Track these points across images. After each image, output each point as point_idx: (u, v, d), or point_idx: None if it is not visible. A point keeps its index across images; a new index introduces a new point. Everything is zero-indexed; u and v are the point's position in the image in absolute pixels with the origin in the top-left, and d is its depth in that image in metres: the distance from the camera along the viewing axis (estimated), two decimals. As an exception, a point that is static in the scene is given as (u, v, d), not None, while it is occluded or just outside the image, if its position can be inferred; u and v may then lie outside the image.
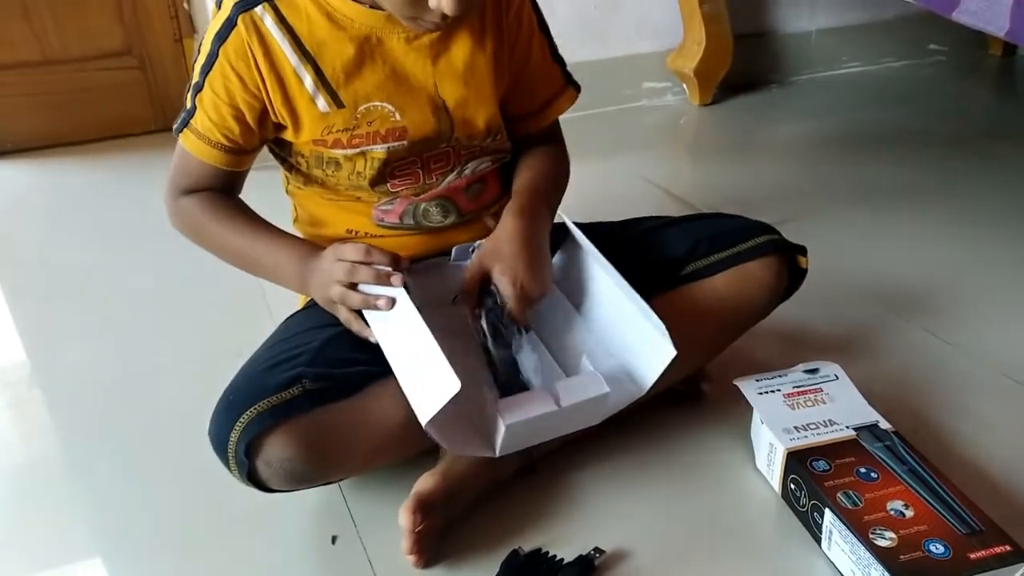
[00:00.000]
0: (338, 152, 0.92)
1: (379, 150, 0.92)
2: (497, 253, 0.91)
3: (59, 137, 2.05)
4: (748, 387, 0.99)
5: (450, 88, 0.92)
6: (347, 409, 0.85)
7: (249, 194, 1.00)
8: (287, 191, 1.04)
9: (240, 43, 0.86)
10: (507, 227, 0.92)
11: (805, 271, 1.03)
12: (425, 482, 0.87)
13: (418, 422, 0.79)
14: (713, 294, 0.99)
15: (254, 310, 1.30)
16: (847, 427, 0.93)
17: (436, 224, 0.99)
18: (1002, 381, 1.13)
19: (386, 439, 0.87)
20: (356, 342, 0.88)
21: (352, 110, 0.89)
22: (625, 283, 0.90)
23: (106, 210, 1.76)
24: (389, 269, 0.85)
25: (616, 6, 2.20)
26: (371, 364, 0.86)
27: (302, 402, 0.82)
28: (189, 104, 0.91)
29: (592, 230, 0.98)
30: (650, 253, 1.01)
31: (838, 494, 0.84)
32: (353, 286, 0.86)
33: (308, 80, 0.87)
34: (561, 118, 1.06)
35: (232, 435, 0.81)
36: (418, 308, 0.82)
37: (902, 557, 0.77)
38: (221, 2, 0.88)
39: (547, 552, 0.86)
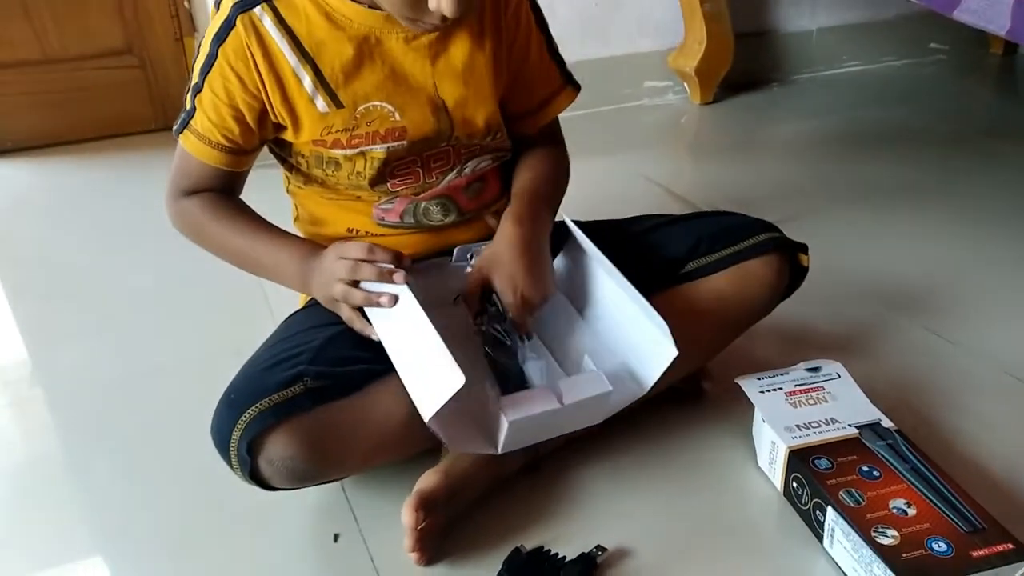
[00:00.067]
0: (338, 152, 0.92)
1: (379, 150, 0.92)
2: (497, 261, 0.91)
3: (59, 136, 2.05)
4: (750, 385, 0.99)
5: (449, 88, 0.91)
6: (348, 407, 0.85)
7: (250, 193, 1.00)
8: (287, 190, 1.04)
9: (239, 44, 0.85)
10: (506, 234, 0.92)
11: (806, 269, 1.03)
12: (427, 480, 0.87)
13: (420, 420, 0.79)
14: (714, 292, 0.99)
15: (254, 310, 1.30)
16: (849, 425, 0.93)
17: (436, 223, 0.99)
18: (1003, 379, 1.12)
19: (387, 437, 0.87)
20: (357, 340, 0.88)
21: (351, 110, 0.89)
22: (627, 282, 0.90)
23: (106, 209, 1.75)
24: (392, 266, 0.85)
25: (617, 5, 2.20)
26: (372, 362, 0.86)
27: (304, 400, 0.82)
28: (189, 105, 0.91)
29: (593, 229, 0.98)
30: (651, 252, 1.01)
31: (840, 492, 0.84)
32: (356, 284, 0.86)
33: (307, 80, 0.87)
34: (562, 117, 1.06)
35: (234, 434, 0.81)
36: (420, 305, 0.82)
37: (904, 555, 0.77)
38: (220, 3, 0.88)
39: (549, 550, 0.86)
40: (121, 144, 2.06)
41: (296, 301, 1.04)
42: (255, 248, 0.94)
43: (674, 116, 2.24)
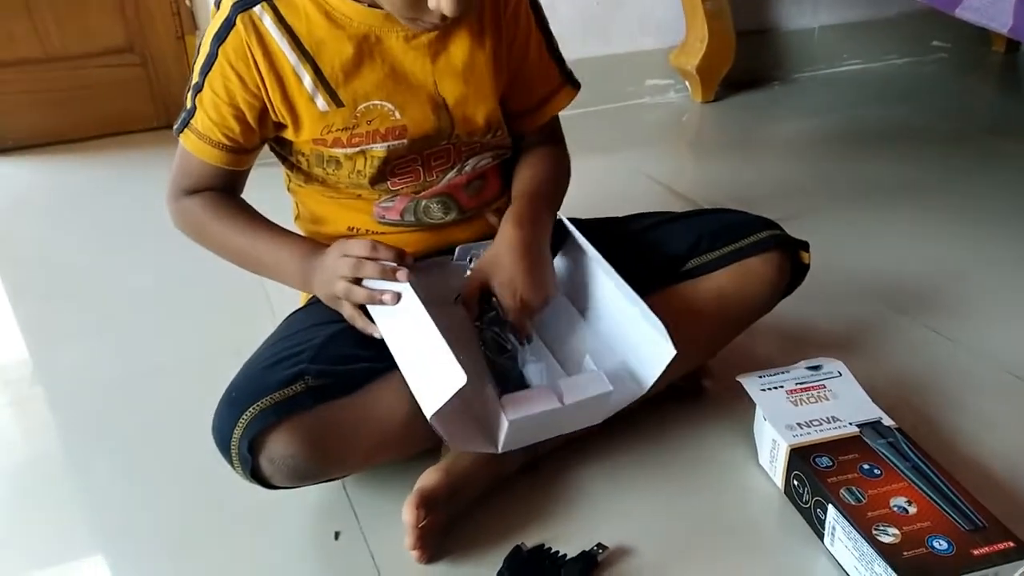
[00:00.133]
0: (338, 151, 0.92)
1: (379, 149, 0.91)
2: (497, 264, 0.90)
3: (60, 134, 2.05)
4: (751, 383, 0.99)
5: (450, 86, 0.91)
6: (350, 406, 0.85)
7: (250, 192, 1.00)
8: (288, 189, 1.04)
9: (239, 43, 0.85)
10: (506, 236, 0.92)
11: (807, 267, 1.03)
12: (428, 478, 0.87)
13: (421, 419, 0.79)
14: (715, 290, 0.99)
15: (255, 309, 1.30)
16: (850, 423, 0.93)
17: (437, 221, 0.99)
18: (1003, 377, 1.12)
19: (389, 436, 0.87)
20: (359, 339, 0.88)
21: (351, 109, 0.89)
22: (624, 284, 0.90)
23: (107, 208, 1.76)
24: (394, 264, 0.85)
25: (618, 3, 2.20)
26: (374, 361, 0.86)
27: (305, 399, 0.82)
28: (189, 104, 0.91)
29: (594, 226, 0.98)
30: (652, 249, 1.01)
31: (841, 490, 0.84)
32: (358, 281, 0.86)
33: (307, 79, 0.87)
34: (563, 115, 1.05)
35: (235, 432, 0.81)
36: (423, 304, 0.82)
37: (905, 553, 0.77)
38: (220, 2, 0.88)
39: (550, 548, 0.86)
40: (122, 142, 2.07)
41: (297, 300, 1.04)
42: (256, 247, 0.94)
43: (675, 114, 2.24)
